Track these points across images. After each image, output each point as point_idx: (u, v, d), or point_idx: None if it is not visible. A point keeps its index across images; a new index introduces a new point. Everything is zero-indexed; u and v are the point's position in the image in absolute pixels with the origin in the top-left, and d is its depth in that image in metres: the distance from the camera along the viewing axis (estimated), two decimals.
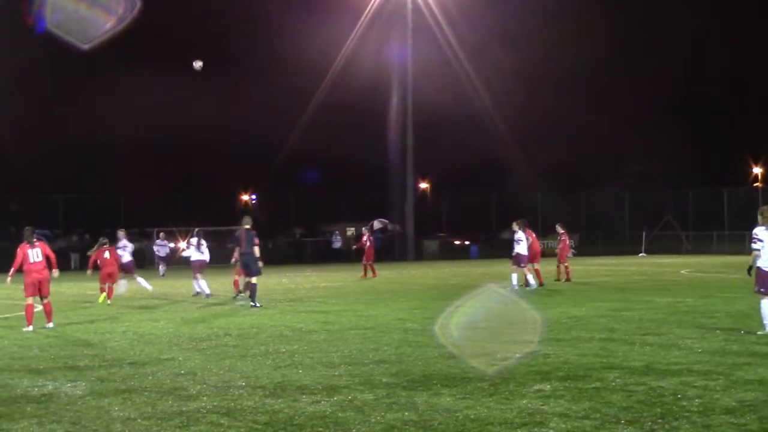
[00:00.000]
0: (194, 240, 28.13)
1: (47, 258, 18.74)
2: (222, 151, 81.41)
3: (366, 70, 63.10)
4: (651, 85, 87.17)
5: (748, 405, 9.38)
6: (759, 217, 15.31)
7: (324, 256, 61.26)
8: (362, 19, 60.33)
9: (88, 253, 27.08)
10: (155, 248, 46.24)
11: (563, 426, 8.69)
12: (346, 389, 10.78)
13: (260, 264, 23.70)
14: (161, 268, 43.55)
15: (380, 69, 64.61)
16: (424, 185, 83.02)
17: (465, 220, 68.69)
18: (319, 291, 29.54)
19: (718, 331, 15.46)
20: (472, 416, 9.18)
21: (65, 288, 31.61)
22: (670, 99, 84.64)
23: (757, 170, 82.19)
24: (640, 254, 58.37)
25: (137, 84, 69.36)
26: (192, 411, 9.76)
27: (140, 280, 28.42)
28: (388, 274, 40.21)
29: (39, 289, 18.55)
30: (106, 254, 26.39)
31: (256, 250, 23.44)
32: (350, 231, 67.77)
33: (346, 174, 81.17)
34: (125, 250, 28.46)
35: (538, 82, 76.45)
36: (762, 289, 15.10)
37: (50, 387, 11.44)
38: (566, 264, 31.37)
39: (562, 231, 31.71)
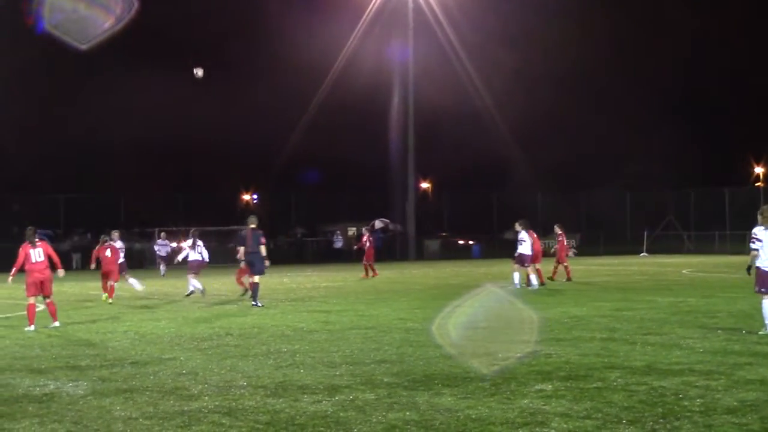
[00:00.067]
0: (190, 241, 28.10)
1: (49, 258, 18.75)
2: (223, 151, 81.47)
3: (367, 70, 63.14)
4: (651, 85, 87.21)
5: (750, 405, 9.38)
6: (759, 217, 15.32)
7: (325, 256, 61.28)
8: (363, 18, 60.36)
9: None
10: (156, 248, 46.26)
11: (565, 426, 8.68)
12: (348, 389, 10.77)
13: (267, 263, 23.86)
14: (162, 267, 43.55)
15: (381, 69, 64.66)
16: (425, 185, 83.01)
17: (466, 220, 68.69)
18: (320, 291, 29.54)
19: (719, 331, 15.45)
20: (473, 416, 9.18)
21: (67, 287, 31.62)
22: (671, 99, 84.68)
23: (759, 170, 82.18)
24: (642, 254, 58.38)
25: (138, 84, 69.38)
26: (193, 411, 9.76)
27: (132, 281, 28.50)
28: (389, 273, 40.20)
29: (41, 289, 18.56)
30: (108, 252, 26.51)
31: (263, 249, 23.59)
32: (351, 231, 67.75)
33: (348, 174, 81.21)
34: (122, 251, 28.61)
35: (539, 82, 76.52)
36: (762, 289, 15.11)
37: (52, 387, 11.44)
38: (566, 264, 31.37)
39: (560, 231, 31.68)
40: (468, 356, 13.00)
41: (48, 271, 18.69)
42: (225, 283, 33.51)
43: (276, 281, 33.50)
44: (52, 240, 45.26)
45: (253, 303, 23.05)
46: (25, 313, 18.77)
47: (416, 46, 61.48)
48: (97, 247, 27.03)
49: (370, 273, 37.09)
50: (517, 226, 28.26)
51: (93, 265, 26.87)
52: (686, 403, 9.50)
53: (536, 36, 74.60)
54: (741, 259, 16.69)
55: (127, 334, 17.23)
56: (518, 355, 13.15)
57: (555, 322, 17.67)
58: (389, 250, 60.73)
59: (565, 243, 32.13)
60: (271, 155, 75.77)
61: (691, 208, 65.68)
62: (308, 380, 11.45)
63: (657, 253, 57.64)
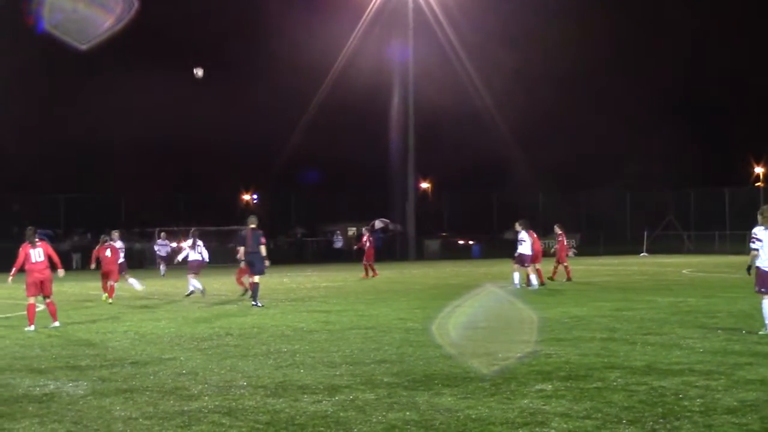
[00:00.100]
0: (189, 241, 28.10)
1: (50, 258, 18.75)
2: (223, 150, 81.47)
3: (367, 70, 63.13)
4: (651, 85, 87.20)
5: (750, 405, 9.38)
6: (759, 217, 15.35)
7: (325, 255, 61.28)
8: (363, 18, 60.35)
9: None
10: (156, 248, 46.25)
11: (565, 426, 8.68)
12: (348, 389, 10.77)
13: (267, 263, 23.90)
14: (162, 267, 43.54)
15: (381, 69, 64.65)
16: (425, 185, 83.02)
17: (466, 220, 68.70)
18: (320, 291, 29.54)
19: (719, 331, 15.45)
20: (473, 416, 9.18)
21: (67, 288, 31.62)
22: (671, 99, 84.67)
23: (759, 170, 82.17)
24: (642, 254, 58.39)
25: (138, 84, 69.39)
26: (193, 411, 9.76)
27: (131, 280, 28.56)
28: (389, 273, 40.20)
29: (41, 289, 18.56)
30: (108, 252, 26.56)
31: (263, 249, 23.64)
32: (351, 231, 67.75)
33: (348, 174, 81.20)
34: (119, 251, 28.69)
35: (539, 82, 76.51)
36: (762, 289, 15.12)
37: (52, 387, 11.44)
38: (565, 264, 31.36)
39: (560, 232, 31.67)
40: (468, 356, 13.00)
41: (48, 271, 18.69)
42: (225, 283, 33.51)
43: (276, 281, 33.49)
44: (52, 240, 45.25)
45: (253, 303, 23.06)
46: (25, 313, 18.78)
47: (416, 46, 61.50)
48: (97, 247, 27.11)
49: (370, 273, 37.10)
50: (518, 226, 28.32)
51: (93, 265, 26.90)
52: (686, 403, 9.50)
53: (536, 36, 74.65)
54: (741, 259, 16.70)
55: (127, 334, 17.23)
56: (518, 355, 13.15)
57: (555, 322, 17.67)
58: (389, 250, 60.74)
59: (565, 243, 32.12)
60: (271, 155, 75.83)
61: (691, 208, 65.70)
62: (308, 380, 11.45)
63: (657, 253, 57.64)
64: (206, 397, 10.48)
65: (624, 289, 26.82)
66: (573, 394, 10.13)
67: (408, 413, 9.37)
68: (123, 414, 9.68)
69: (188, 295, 26.89)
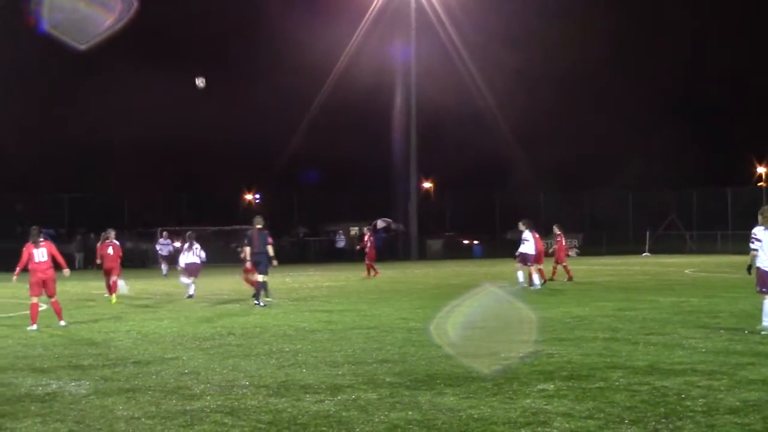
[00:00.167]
0: (186, 244, 28.10)
1: (53, 258, 18.77)
2: (226, 150, 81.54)
3: (369, 70, 63.14)
4: (652, 85, 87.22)
5: (752, 405, 9.37)
6: (759, 217, 15.38)
7: (327, 255, 61.27)
8: (366, 18, 60.34)
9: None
10: (158, 247, 46.24)
11: (567, 426, 8.68)
12: (350, 389, 10.78)
13: (275, 263, 24.08)
14: (164, 267, 43.53)
15: (384, 69, 64.65)
16: (427, 185, 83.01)
17: (468, 220, 68.69)
18: (322, 290, 29.55)
19: (722, 331, 15.45)
20: (475, 416, 9.18)
21: (69, 287, 31.62)
22: (673, 99, 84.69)
23: (761, 170, 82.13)
24: (644, 254, 58.36)
25: (141, 84, 69.50)
26: (196, 410, 9.76)
27: (120, 282, 28.62)
28: (391, 273, 40.21)
29: (44, 289, 18.58)
30: (110, 250, 26.66)
31: (270, 249, 23.82)
32: (354, 231, 67.74)
33: (350, 174, 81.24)
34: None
35: (541, 82, 76.54)
36: (764, 289, 15.16)
37: (54, 386, 11.45)
38: (564, 264, 31.33)
39: (559, 232, 31.63)
40: (470, 356, 13.00)
41: (51, 271, 18.70)
42: (227, 283, 33.55)
43: (278, 281, 33.48)
44: (55, 239, 45.29)
45: (256, 302, 23.11)
46: (28, 312, 18.80)
47: (418, 46, 61.48)
48: (99, 244, 27.36)
49: (372, 273, 37.10)
50: (521, 226, 28.42)
51: (99, 261, 27.14)
52: (689, 403, 9.50)
53: (538, 36, 74.68)
54: (743, 259, 16.68)
55: (129, 334, 17.24)
56: (520, 354, 13.15)
57: (557, 321, 17.67)
58: (392, 250, 60.75)
59: (564, 243, 32.08)
60: (273, 155, 75.85)
61: (694, 208, 65.67)
62: (310, 380, 11.45)
63: (659, 253, 57.61)
64: (208, 397, 10.48)
65: (626, 289, 26.81)
66: (575, 394, 10.13)
67: (410, 413, 9.37)
68: (125, 413, 9.69)
69: (190, 296, 26.87)
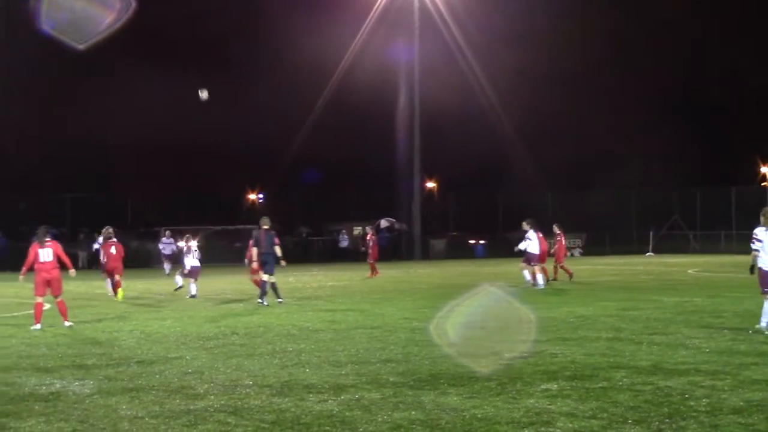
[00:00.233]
0: (185, 246, 28.14)
1: (59, 258, 18.78)
2: (229, 150, 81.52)
3: (373, 69, 63.15)
4: (654, 85, 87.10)
5: (756, 405, 9.37)
6: (761, 218, 15.40)
7: (331, 255, 61.26)
8: (369, 18, 60.33)
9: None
10: (161, 246, 46.25)
11: (570, 425, 8.68)
12: (353, 388, 10.78)
13: (283, 263, 24.18)
14: (166, 266, 43.55)
15: (387, 69, 64.64)
16: (431, 184, 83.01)
17: (472, 220, 68.65)
18: (325, 290, 29.56)
19: (725, 331, 15.44)
20: (479, 415, 9.18)
21: (73, 287, 31.62)
22: (676, 98, 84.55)
23: (765, 169, 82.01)
24: (648, 254, 58.31)
25: (144, 84, 69.50)
26: (199, 410, 9.77)
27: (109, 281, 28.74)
28: (394, 273, 40.21)
29: (50, 289, 18.59)
30: (113, 249, 26.74)
31: (278, 250, 23.91)
32: (357, 230, 67.74)
33: (353, 173, 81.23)
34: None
35: (544, 82, 76.48)
36: (766, 289, 15.18)
37: (58, 385, 11.46)
38: (561, 264, 31.25)
39: (559, 231, 31.59)
40: (473, 356, 13.00)
41: (56, 271, 18.70)
42: (231, 283, 33.58)
43: (282, 281, 33.42)
44: (57, 239, 45.32)
45: (259, 301, 23.21)
46: (32, 311, 18.82)
47: (422, 46, 61.49)
48: (101, 243, 27.68)
49: (372, 272, 37.06)
50: (525, 225, 28.48)
51: (105, 259, 27.32)
52: (692, 403, 9.50)
53: (541, 36, 74.62)
54: (747, 259, 16.68)
55: (133, 333, 17.26)
56: (524, 354, 13.15)
57: (560, 321, 17.66)
58: (395, 250, 60.75)
59: (564, 243, 32.02)
60: (276, 155, 75.83)
61: (697, 208, 65.58)
62: (314, 379, 11.45)
63: (663, 253, 57.56)
64: (212, 396, 10.49)
65: (629, 289, 26.80)
66: (578, 394, 10.13)
67: (414, 413, 9.37)
68: (129, 413, 9.70)
69: (192, 296, 26.88)
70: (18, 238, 53.51)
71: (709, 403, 9.51)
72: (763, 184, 76.43)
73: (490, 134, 71.76)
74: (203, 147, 79.76)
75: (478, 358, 12.72)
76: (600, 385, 10.66)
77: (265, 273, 23.71)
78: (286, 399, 10.24)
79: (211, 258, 45.36)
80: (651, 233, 60.96)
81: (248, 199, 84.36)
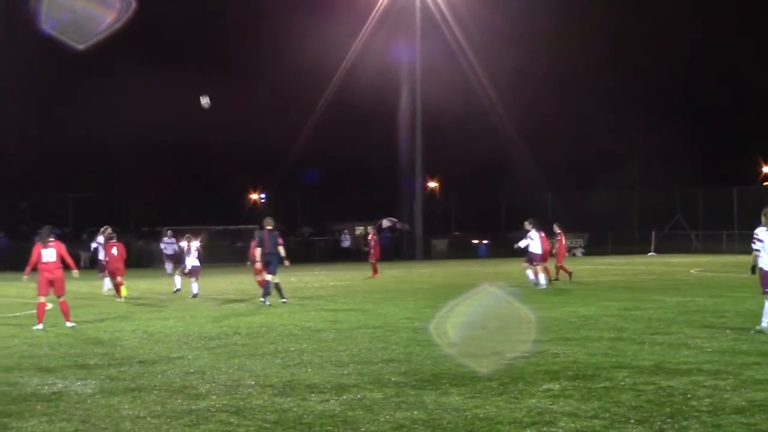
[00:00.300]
0: (185, 246, 28.17)
1: (62, 258, 18.79)
2: (231, 150, 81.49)
3: (375, 69, 63.11)
4: (657, 84, 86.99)
5: (758, 405, 9.36)
6: (762, 218, 15.40)
7: (333, 255, 61.27)
8: (371, 18, 60.35)
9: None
10: (162, 246, 46.25)
11: (572, 425, 8.68)
12: (355, 388, 10.78)
13: (287, 263, 24.31)
14: (168, 266, 43.55)
15: (389, 69, 64.62)
16: (432, 184, 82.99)
17: (474, 220, 68.64)
18: (327, 290, 29.57)
19: (727, 331, 15.44)
20: (481, 415, 9.18)
21: (75, 287, 31.61)
22: (679, 98, 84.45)
23: (767, 169, 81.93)
24: (650, 254, 58.30)
25: (146, 84, 69.48)
26: (201, 409, 9.78)
27: (107, 280, 28.76)
28: (396, 273, 40.21)
29: (53, 288, 18.60)
30: (114, 250, 26.77)
31: (281, 250, 23.98)
32: (359, 230, 67.76)
33: (355, 173, 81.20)
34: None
35: (545, 82, 76.37)
36: (766, 290, 15.18)
37: (60, 385, 11.47)
38: (560, 264, 31.22)
39: (559, 231, 31.55)
40: (475, 356, 13.00)
41: (59, 271, 18.71)
42: (233, 283, 33.59)
43: (284, 280, 33.42)
44: (60, 239, 45.37)
45: (261, 300, 23.27)
46: (35, 311, 18.83)
47: (423, 46, 61.50)
48: (103, 243, 28.06)
49: (373, 272, 37.03)
50: (527, 225, 28.53)
51: (106, 259, 27.52)
52: (694, 403, 9.49)
53: (542, 36, 74.52)
54: (749, 259, 16.69)
55: (135, 333, 17.26)
56: (526, 354, 13.15)
57: (563, 321, 17.66)
58: (397, 250, 60.76)
59: (564, 242, 31.97)
60: (278, 155, 75.82)
61: (699, 208, 65.56)
62: (316, 379, 11.46)
63: (665, 253, 57.54)
64: (214, 396, 10.49)
65: (632, 289, 26.79)
66: (581, 394, 10.12)
67: (416, 412, 9.37)
68: (131, 413, 9.70)
69: (194, 296, 26.89)
70: (20, 238, 53.58)
71: (711, 403, 9.50)
72: (765, 183, 76.38)
73: (491, 134, 71.77)
74: (205, 147, 79.74)
75: (479, 358, 12.72)
76: (602, 384, 10.66)
77: (269, 273, 23.77)
78: (288, 399, 10.25)
79: (213, 258, 45.43)
80: (653, 233, 60.92)
81: (250, 199, 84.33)
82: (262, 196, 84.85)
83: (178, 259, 37.93)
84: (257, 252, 24.38)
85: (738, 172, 74.21)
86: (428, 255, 61.19)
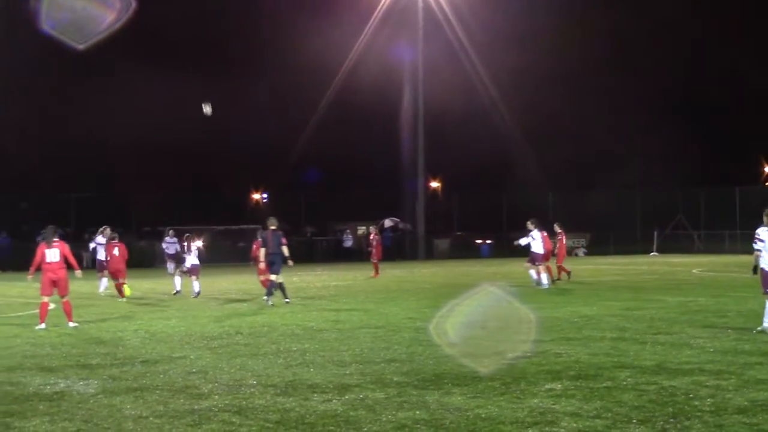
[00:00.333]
0: (185, 245, 28.22)
1: (65, 258, 18.81)
2: (233, 150, 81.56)
3: (377, 69, 63.10)
4: (660, 84, 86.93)
5: (761, 405, 9.36)
6: (764, 218, 15.40)
7: (335, 254, 61.28)
8: (373, 18, 60.33)
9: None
10: (164, 245, 46.26)
11: (574, 425, 8.68)
12: (358, 388, 10.78)
13: (290, 263, 24.27)
14: (170, 266, 43.57)
15: (391, 68, 64.60)
16: (435, 184, 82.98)
17: (476, 220, 68.61)
18: (330, 290, 29.57)
19: (729, 331, 15.43)
20: (483, 415, 9.18)
21: (76, 287, 31.61)
22: (682, 97, 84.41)
23: None
24: (652, 253, 58.28)
25: (150, 84, 69.50)
26: (203, 409, 9.78)
27: (104, 280, 28.75)
28: (398, 273, 40.20)
29: (56, 289, 18.62)
30: (115, 251, 26.79)
31: (285, 250, 23.98)
32: (361, 230, 67.78)
33: (358, 173, 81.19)
34: (102, 248, 29.23)
35: (548, 82, 76.32)
36: (767, 290, 15.19)
37: (62, 385, 11.48)
38: (560, 264, 31.18)
39: (560, 230, 31.50)
40: (477, 356, 13.00)
41: (62, 272, 18.73)
42: (235, 282, 33.60)
43: (286, 280, 33.41)
44: (63, 239, 45.40)
45: (265, 298, 23.40)
46: (37, 311, 18.85)
47: (425, 46, 61.48)
48: (105, 243, 28.03)
49: (374, 272, 37.02)
50: (529, 225, 28.54)
51: (108, 259, 27.49)
52: (697, 403, 9.49)
53: (544, 35, 74.46)
54: (751, 259, 16.68)
55: (137, 333, 17.27)
56: (527, 354, 13.15)
57: (565, 321, 17.66)
58: (399, 250, 60.74)
59: (564, 242, 31.93)
60: (281, 154, 75.83)
61: (702, 208, 65.53)
62: (318, 379, 11.46)
63: (667, 253, 57.53)
64: (216, 396, 10.50)
65: (634, 289, 26.78)
66: (583, 394, 10.12)
67: (418, 412, 9.38)
68: (133, 412, 9.71)
69: (196, 295, 26.91)
70: (21, 238, 53.62)
71: (713, 402, 9.50)
72: (767, 184, 76.34)
73: (493, 134, 71.75)
74: (207, 147, 79.77)
75: (481, 358, 12.72)
76: (604, 384, 10.66)
77: (273, 273, 23.81)
78: (291, 398, 10.25)
79: (215, 258, 45.43)
80: (655, 233, 60.90)
81: (252, 199, 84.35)
82: (264, 196, 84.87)
83: (180, 258, 37.97)
84: (261, 252, 24.42)
85: (740, 172, 74.17)
86: (430, 255, 61.19)
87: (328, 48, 64.19)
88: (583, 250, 61.73)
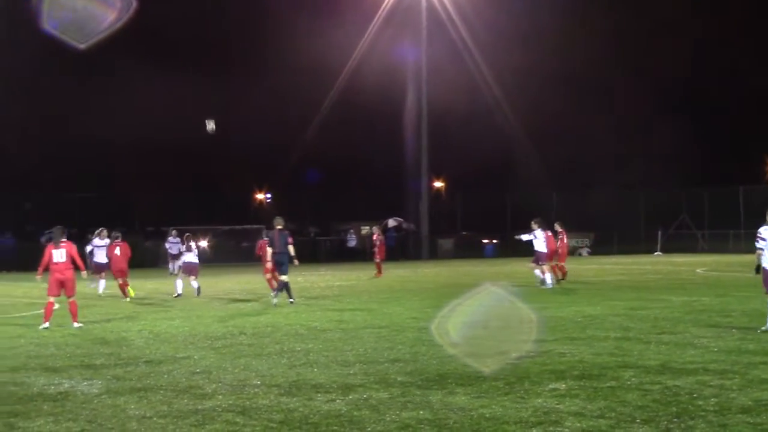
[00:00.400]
0: (185, 244, 28.26)
1: (72, 259, 18.83)
2: (236, 150, 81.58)
3: (380, 69, 63.13)
4: (660, 84, 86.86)
5: (765, 404, 9.35)
6: (767, 217, 15.37)
7: (338, 254, 61.30)
8: (377, 18, 60.37)
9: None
10: (167, 245, 46.30)
11: (578, 425, 8.67)
12: (361, 388, 10.78)
13: (296, 263, 24.51)
14: (172, 266, 43.60)
15: (395, 68, 64.61)
16: (438, 184, 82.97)
17: (479, 219, 68.60)
18: (333, 290, 29.58)
19: (733, 330, 15.42)
20: (487, 415, 9.17)
21: (80, 287, 31.65)
22: (679, 98, 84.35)
23: None
24: (656, 253, 58.24)
25: (153, 84, 69.56)
26: (207, 409, 9.79)
27: (101, 282, 28.76)
28: (402, 272, 40.20)
29: (63, 289, 18.64)
30: (117, 251, 26.84)
31: (291, 249, 24.12)
32: (365, 230, 67.81)
33: (361, 173, 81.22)
34: (102, 250, 29.13)
35: (551, 81, 76.29)
36: None
37: (66, 385, 11.49)
38: (560, 264, 31.10)
39: (561, 230, 31.41)
40: (481, 355, 12.99)
41: (69, 272, 18.75)
42: (238, 283, 33.62)
43: (291, 280, 33.41)
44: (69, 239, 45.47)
45: (272, 293, 23.70)
46: (42, 311, 18.86)
47: (429, 46, 61.48)
48: (108, 244, 28.01)
49: (377, 272, 37.02)
50: (533, 225, 28.53)
51: (110, 259, 27.56)
52: (701, 403, 9.48)
53: (548, 35, 74.45)
54: (754, 258, 16.67)
55: (141, 333, 17.28)
56: (531, 354, 13.14)
57: (569, 320, 17.65)
58: (403, 249, 60.75)
59: (565, 242, 31.84)
60: (284, 154, 75.87)
61: (705, 207, 65.46)
62: (322, 379, 11.46)
63: (671, 252, 57.49)
64: (220, 396, 10.50)
65: (638, 288, 26.77)
66: (587, 394, 10.12)
67: (422, 412, 9.37)
68: (137, 413, 9.71)
69: (198, 295, 26.94)
70: (25, 238, 53.67)
71: (717, 402, 9.49)
72: None
73: (497, 134, 71.72)
74: (210, 147, 79.75)
75: (485, 358, 12.71)
76: (608, 384, 10.65)
77: (281, 274, 23.84)
78: (294, 399, 10.25)
79: (219, 258, 45.48)
80: (659, 233, 60.86)
81: (256, 199, 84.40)
82: (268, 196, 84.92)
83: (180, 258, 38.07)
84: (268, 251, 24.46)
85: (744, 171, 74.07)
86: (434, 255, 61.21)
87: (331, 48, 64.22)
88: (587, 249, 61.72)
